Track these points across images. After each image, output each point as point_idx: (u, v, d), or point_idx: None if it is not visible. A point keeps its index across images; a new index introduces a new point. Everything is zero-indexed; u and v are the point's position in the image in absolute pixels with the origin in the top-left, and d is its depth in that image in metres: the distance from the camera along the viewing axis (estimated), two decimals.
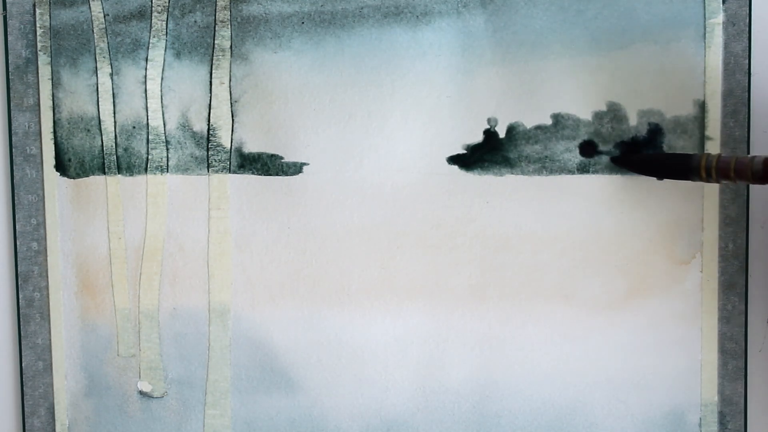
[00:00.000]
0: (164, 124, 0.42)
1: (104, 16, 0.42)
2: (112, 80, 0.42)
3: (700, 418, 0.40)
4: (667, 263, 0.40)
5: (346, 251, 0.41)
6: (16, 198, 0.43)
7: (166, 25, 0.42)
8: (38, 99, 0.42)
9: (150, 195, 0.42)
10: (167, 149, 0.42)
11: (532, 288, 0.41)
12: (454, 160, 0.40)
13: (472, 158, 0.40)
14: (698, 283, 0.40)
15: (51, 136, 0.42)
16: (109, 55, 0.42)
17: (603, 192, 0.40)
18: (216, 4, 0.41)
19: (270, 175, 0.41)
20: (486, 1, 0.40)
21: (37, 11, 0.42)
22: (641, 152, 0.39)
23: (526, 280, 0.41)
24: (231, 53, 0.41)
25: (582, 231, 0.40)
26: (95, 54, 0.42)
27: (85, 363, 0.43)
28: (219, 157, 0.42)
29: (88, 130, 0.42)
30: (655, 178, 0.39)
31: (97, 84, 0.42)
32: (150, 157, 0.42)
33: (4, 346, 0.44)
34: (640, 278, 0.40)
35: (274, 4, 0.41)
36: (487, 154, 0.40)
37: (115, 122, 0.42)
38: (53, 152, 0.42)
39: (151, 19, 0.42)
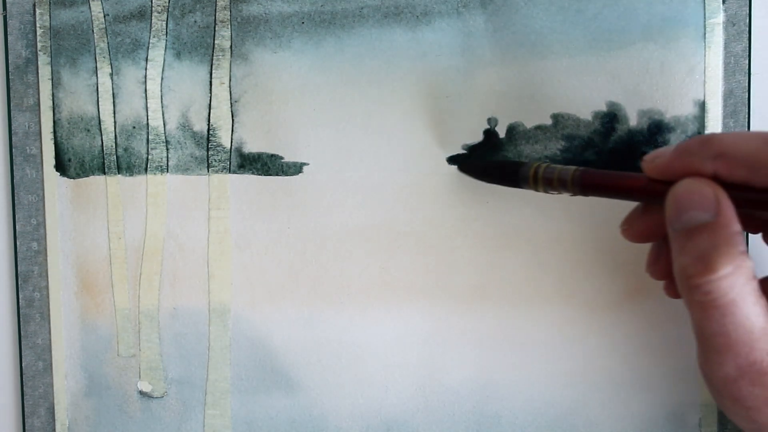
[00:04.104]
0: (164, 124, 0.42)
1: (104, 16, 0.42)
2: (112, 80, 0.42)
3: (700, 418, 0.40)
4: None
5: (346, 251, 0.41)
6: (16, 198, 0.43)
7: (166, 25, 0.42)
8: (38, 99, 0.42)
9: (150, 195, 0.42)
10: (167, 149, 0.42)
11: (532, 288, 0.41)
12: (454, 160, 0.40)
13: (472, 158, 0.40)
14: None
15: (51, 136, 0.42)
16: (109, 55, 0.42)
17: None
18: (216, 4, 0.41)
19: (270, 175, 0.41)
20: (486, 1, 0.40)
21: (37, 11, 0.42)
22: (477, 159, 0.40)
23: (526, 280, 0.41)
24: (231, 53, 0.41)
25: (582, 231, 0.40)
26: (95, 54, 0.42)
27: (85, 363, 0.43)
28: (219, 157, 0.42)
29: (88, 130, 0.42)
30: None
31: (97, 84, 0.42)
32: (150, 157, 0.42)
33: (4, 346, 0.44)
34: (640, 278, 0.40)
35: (274, 4, 0.41)
36: (487, 154, 0.40)
37: (115, 122, 0.42)
38: (53, 152, 0.42)
39: (151, 19, 0.42)
